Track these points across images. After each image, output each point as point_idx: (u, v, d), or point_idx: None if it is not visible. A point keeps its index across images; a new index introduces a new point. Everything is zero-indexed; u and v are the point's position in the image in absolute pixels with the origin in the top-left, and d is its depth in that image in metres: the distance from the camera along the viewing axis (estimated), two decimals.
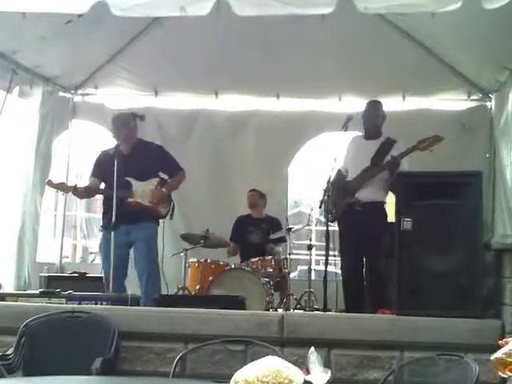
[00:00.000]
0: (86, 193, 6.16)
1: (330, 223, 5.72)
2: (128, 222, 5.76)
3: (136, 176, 5.85)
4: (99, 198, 6.46)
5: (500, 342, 2.50)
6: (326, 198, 5.63)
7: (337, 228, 6.04)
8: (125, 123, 5.90)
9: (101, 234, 6.07)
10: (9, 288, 6.30)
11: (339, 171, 6.01)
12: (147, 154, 5.98)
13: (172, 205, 6.01)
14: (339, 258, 5.94)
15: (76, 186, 5.99)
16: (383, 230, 5.58)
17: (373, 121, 6.00)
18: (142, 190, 5.86)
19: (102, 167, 5.92)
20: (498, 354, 2.36)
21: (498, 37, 5.60)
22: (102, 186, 5.96)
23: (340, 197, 5.90)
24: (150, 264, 5.80)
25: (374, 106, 6.09)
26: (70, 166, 8.20)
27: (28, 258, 6.95)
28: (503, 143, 6.79)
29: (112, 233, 5.59)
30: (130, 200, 5.82)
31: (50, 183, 6.13)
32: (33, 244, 7.11)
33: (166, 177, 6.05)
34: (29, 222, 6.99)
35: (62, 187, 6.05)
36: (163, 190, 5.93)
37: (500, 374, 2.31)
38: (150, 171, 5.94)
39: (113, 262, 5.51)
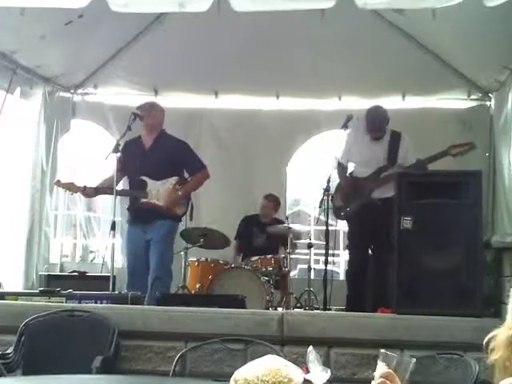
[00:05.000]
0: (96, 193, 6.06)
1: (338, 220, 5.66)
2: (142, 222, 5.77)
3: (152, 175, 5.77)
4: (100, 196, 6.43)
5: None
6: (325, 197, 5.63)
7: (337, 228, 6.03)
8: (148, 112, 5.85)
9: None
10: (18, 289, 6.25)
11: (340, 164, 6.00)
12: (168, 150, 5.85)
13: (190, 205, 5.89)
14: (338, 258, 5.95)
15: (85, 186, 5.89)
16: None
17: (379, 128, 6.00)
18: (158, 191, 5.76)
19: (125, 160, 5.77)
20: None
21: (498, 36, 5.59)
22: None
23: (352, 195, 5.88)
24: (159, 264, 5.72)
25: (381, 113, 6.06)
26: (72, 166, 8.17)
27: (36, 259, 6.91)
28: (502, 142, 6.79)
29: (130, 228, 5.71)
30: (143, 200, 5.76)
31: (59, 183, 6.07)
32: (41, 245, 7.06)
33: (187, 175, 5.94)
34: (38, 223, 6.95)
35: (70, 187, 5.96)
36: (179, 193, 5.80)
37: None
38: (168, 169, 5.81)
39: (127, 257, 5.58)
